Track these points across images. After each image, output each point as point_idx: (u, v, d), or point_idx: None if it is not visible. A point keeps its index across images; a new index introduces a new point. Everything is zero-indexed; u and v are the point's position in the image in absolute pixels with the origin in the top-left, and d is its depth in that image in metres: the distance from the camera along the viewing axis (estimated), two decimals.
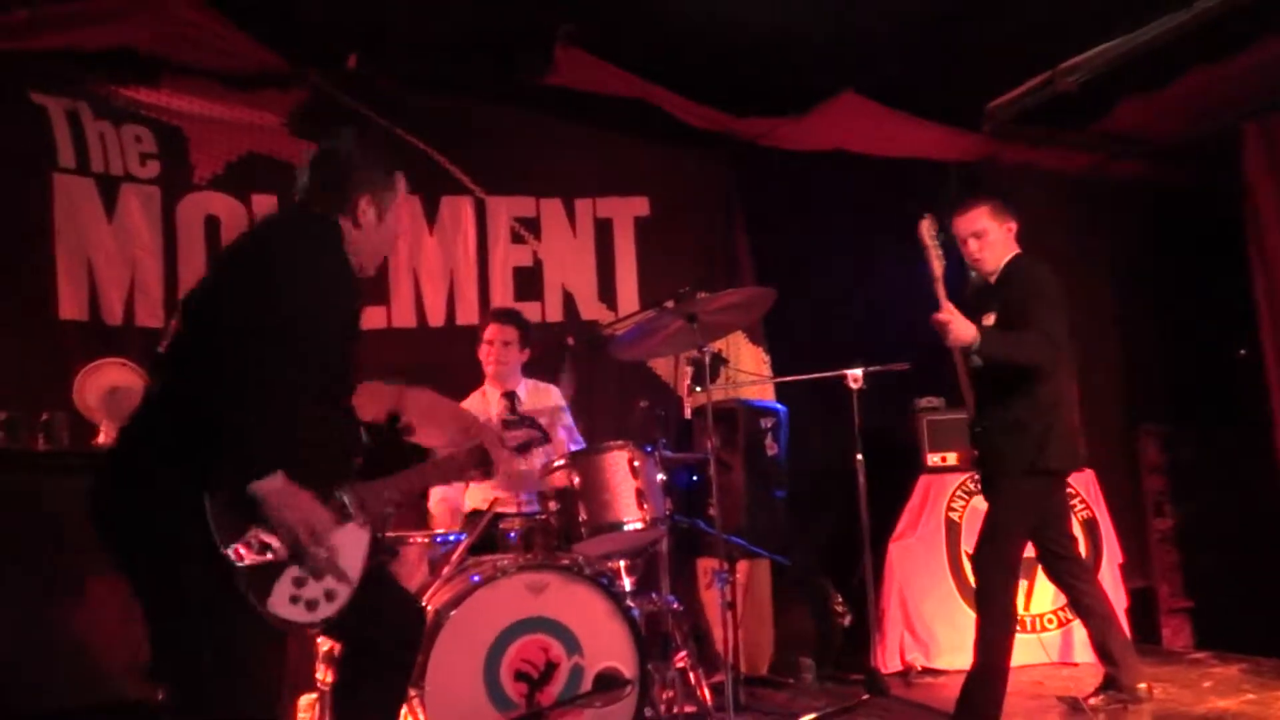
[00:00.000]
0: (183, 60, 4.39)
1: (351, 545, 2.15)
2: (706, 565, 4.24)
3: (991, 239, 3.50)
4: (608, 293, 5.15)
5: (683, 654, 3.46)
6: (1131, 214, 5.65)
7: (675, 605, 3.52)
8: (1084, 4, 3.92)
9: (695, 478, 4.17)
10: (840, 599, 4.36)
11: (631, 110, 4.97)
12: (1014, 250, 3.54)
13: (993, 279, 3.54)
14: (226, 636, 1.95)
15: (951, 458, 4.66)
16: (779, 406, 4.60)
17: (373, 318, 4.69)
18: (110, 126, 4.37)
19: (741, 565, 4.20)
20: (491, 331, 4.08)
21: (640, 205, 5.23)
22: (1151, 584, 5.15)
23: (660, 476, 3.40)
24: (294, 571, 2.02)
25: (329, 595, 2.09)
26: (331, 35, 4.51)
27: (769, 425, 4.48)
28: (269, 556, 1.96)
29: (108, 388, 3.69)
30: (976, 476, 4.45)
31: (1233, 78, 4.66)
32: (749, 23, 4.34)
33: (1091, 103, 4.84)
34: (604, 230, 5.18)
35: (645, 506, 3.26)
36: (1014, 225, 3.55)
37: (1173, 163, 5.46)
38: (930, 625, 4.47)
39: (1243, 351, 5.14)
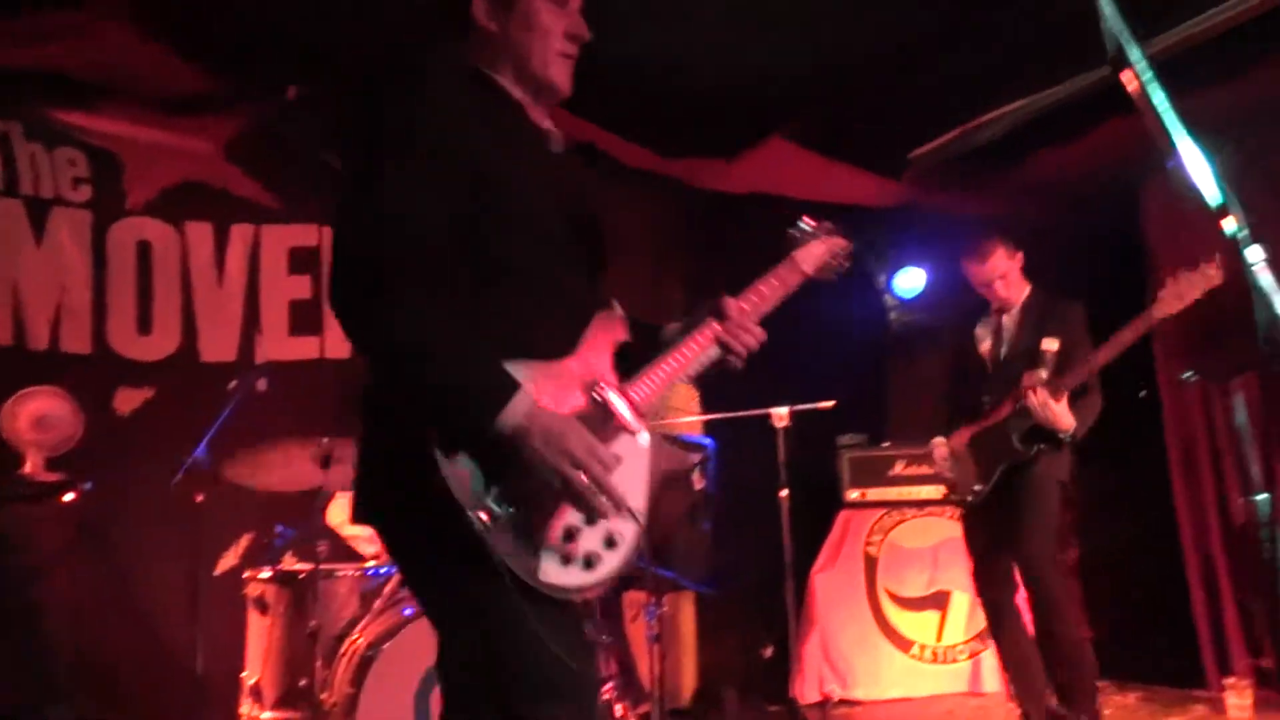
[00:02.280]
0: (121, 85, 4.38)
1: (629, 465, 1.61)
2: (634, 598, 4.33)
3: (1011, 277, 3.72)
4: None
5: (609, 686, 3.55)
6: (1044, 257, 5.93)
7: (603, 638, 3.60)
8: (1002, 61, 4.18)
9: None
10: (763, 630, 4.49)
11: (573, 148, 5.07)
12: (1025, 281, 3.79)
13: (1012, 311, 3.77)
14: (497, 630, 1.52)
15: (871, 494, 4.84)
16: (708, 441, 4.73)
17: (304, 348, 4.71)
18: (43, 149, 4.33)
19: (668, 597, 4.31)
20: None
21: None
22: None
23: None
24: (561, 522, 1.54)
25: (609, 542, 1.59)
26: (274, 63, 4.54)
27: (698, 460, 4.60)
28: (526, 512, 1.50)
29: (37, 416, 3.66)
30: (898, 511, 4.65)
31: (1139, 133, 4.95)
32: (681, 66, 4.49)
33: (1010, 151, 5.11)
34: None
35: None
36: (1021, 255, 3.76)
37: (1083, 209, 5.77)
38: (848, 657, 4.63)
39: (1144, 392, 5.44)
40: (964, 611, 4.69)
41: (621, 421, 1.65)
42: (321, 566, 3.30)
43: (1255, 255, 0.93)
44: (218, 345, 4.60)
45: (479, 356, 1.50)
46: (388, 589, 3.25)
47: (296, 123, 4.76)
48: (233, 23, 4.09)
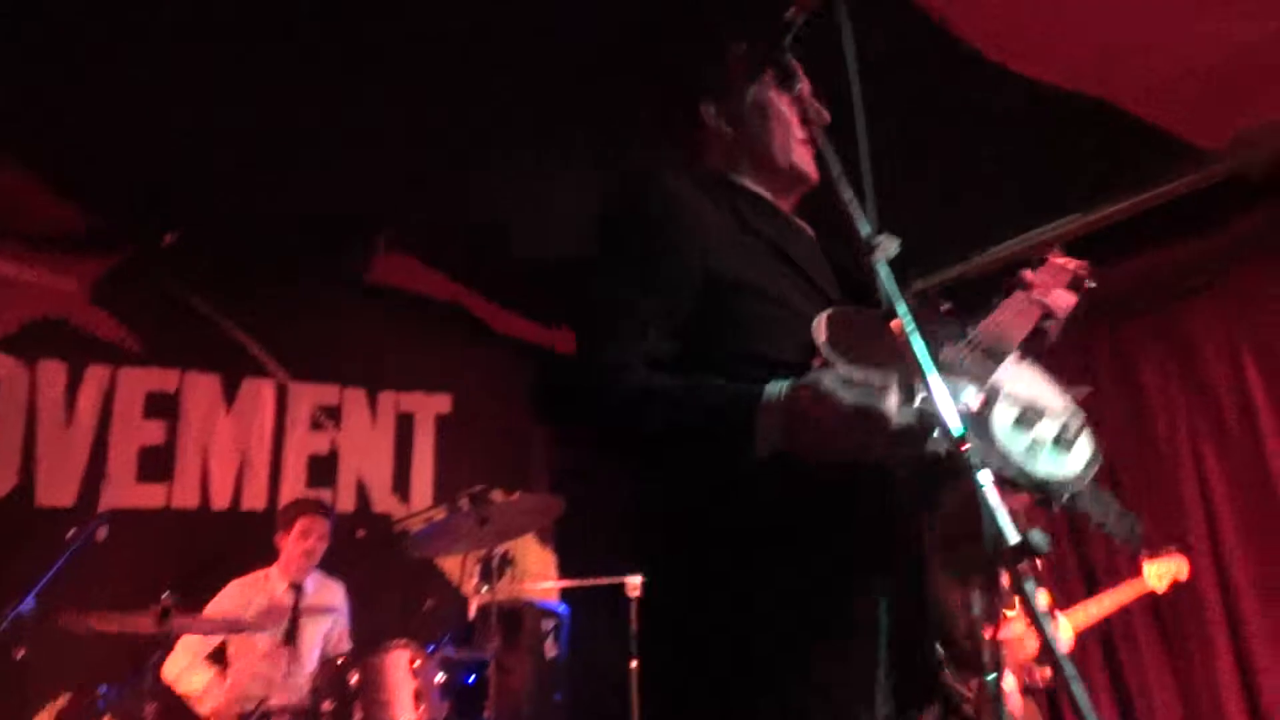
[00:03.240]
0: None
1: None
2: None
3: None
4: (402, 486, 5.22)
5: None
6: None
7: None
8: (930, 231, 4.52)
9: (474, 678, 4.18)
10: None
11: (445, 311, 5.22)
12: None
13: None
14: None
15: None
16: (562, 608, 4.72)
17: (151, 496, 4.55)
18: None
19: None
20: (309, 524, 4.02)
21: (443, 403, 5.41)
22: None
23: (440, 677, 3.43)
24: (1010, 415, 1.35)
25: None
26: (153, 207, 4.56)
27: (551, 627, 4.58)
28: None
29: None
30: None
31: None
32: (567, 240, 4.70)
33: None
34: (405, 424, 5.31)
35: (422, 708, 3.27)
36: None
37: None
38: None
39: None
40: None
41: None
42: None
43: (985, 478, 1.07)
44: (56, 489, 4.40)
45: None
46: None
47: (170, 267, 4.76)
48: (115, 165, 4.14)
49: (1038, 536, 1.01)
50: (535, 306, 5.36)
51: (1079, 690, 1.00)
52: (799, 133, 1.69)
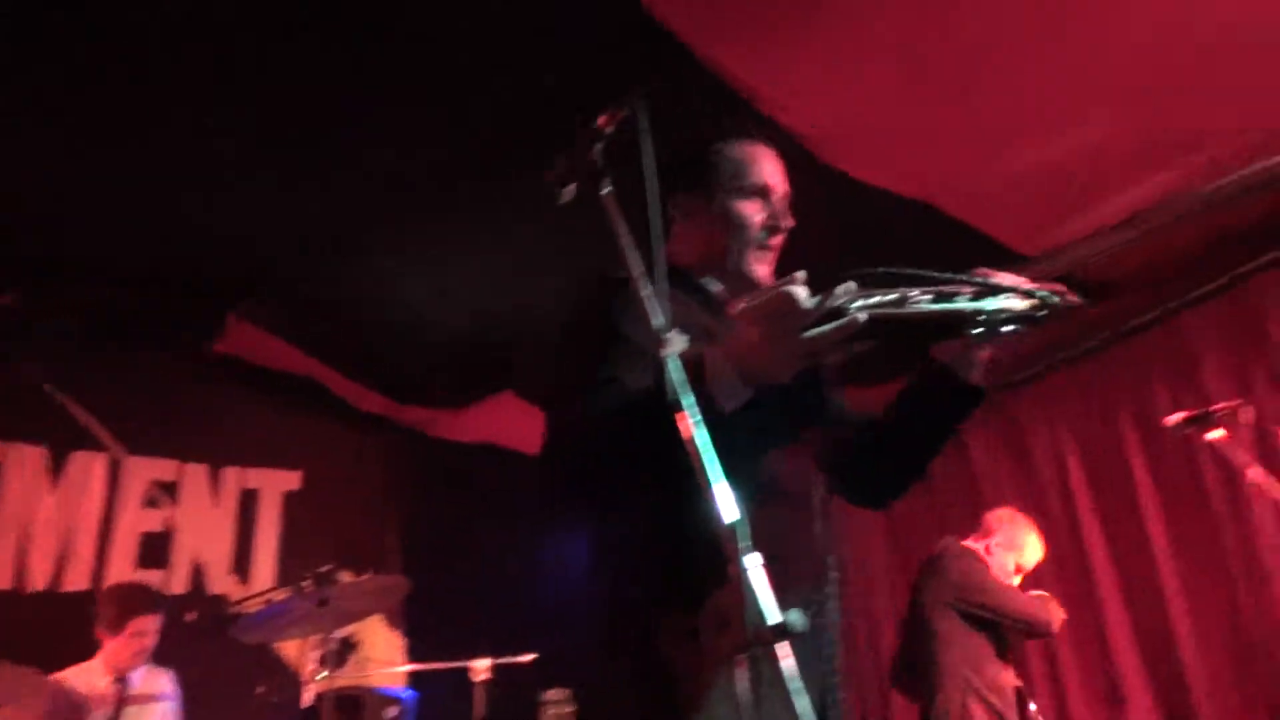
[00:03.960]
0: None
1: None
2: None
3: None
4: (242, 565, 4.99)
5: None
6: None
7: None
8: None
9: None
10: None
11: (297, 385, 5.09)
12: None
13: None
14: None
15: None
16: (408, 694, 4.55)
17: None
18: None
19: None
20: (142, 625, 3.75)
21: (292, 479, 5.23)
22: None
23: None
24: None
25: None
26: None
27: (394, 714, 4.40)
28: None
29: None
30: None
31: None
32: (425, 318, 4.69)
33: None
34: (249, 501, 5.10)
35: None
36: None
37: None
38: None
39: None
40: None
41: None
42: None
43: (751, 561, 1.13)
44: None
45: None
46: None
47: (4, 329, 4.50)
48: None
49: (795, 617, 1.08)
50: (394, 384, 5.28)
51: None
52: (756, 237, 1.76)
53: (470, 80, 3.27)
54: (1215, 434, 3.06)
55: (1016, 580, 4.00)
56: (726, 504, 1.18)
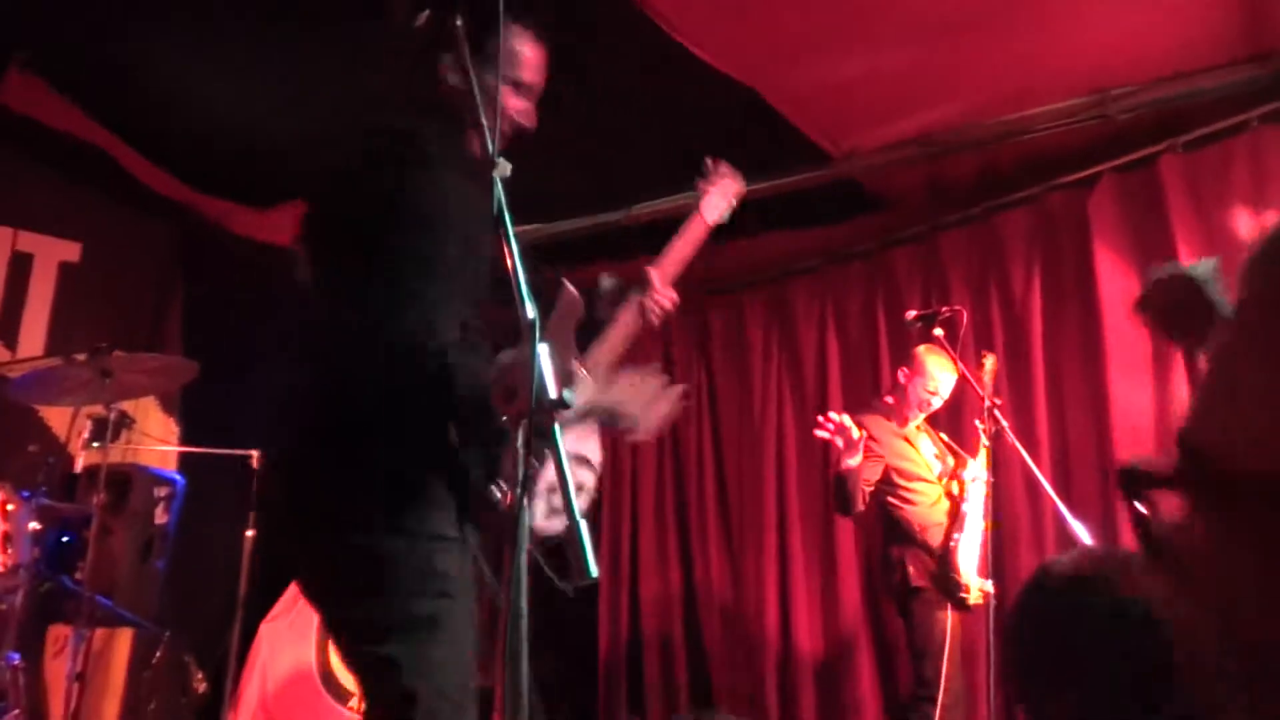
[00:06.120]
0: None
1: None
2: (59, 633, 4.04)
3: None
4: (9, 331, 4.78)
5: (16, 712, 3.31)
6: None
7: (17, 662, 3.36)
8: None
9: (67, 537, 4.01)
10: (200, 673, 4.42)
11: (86, 155, 4.81)
12: None
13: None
14: None
15: None
16: (178, 477, 4.62)
17: None
18: None
19: (99, 633, 4.09)
20: None
21: (71, 250, 5.01)
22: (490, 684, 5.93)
23: (34, 525, 3.31)
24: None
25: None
26: None
27: (163, 494, 4.48)
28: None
29: None
30: None
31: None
32: (229, 113, 4.53)
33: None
34: (21, 264, 4.85)
35: (10, 552, 3.16)
36: None
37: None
38: (286, 704, 4.70)
39: None
40: None
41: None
42: None
43: (542, 350, 1.41)
44: None
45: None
46: None
47: None
48: None
49: (570, 395, 1.37)
50: (191, 167, 5.08)
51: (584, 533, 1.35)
52: (507, 127, 1.91)
53: None
54: (937, 331, 3.70)
55: (937, 403, 4.24)
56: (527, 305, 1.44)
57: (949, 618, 3.92)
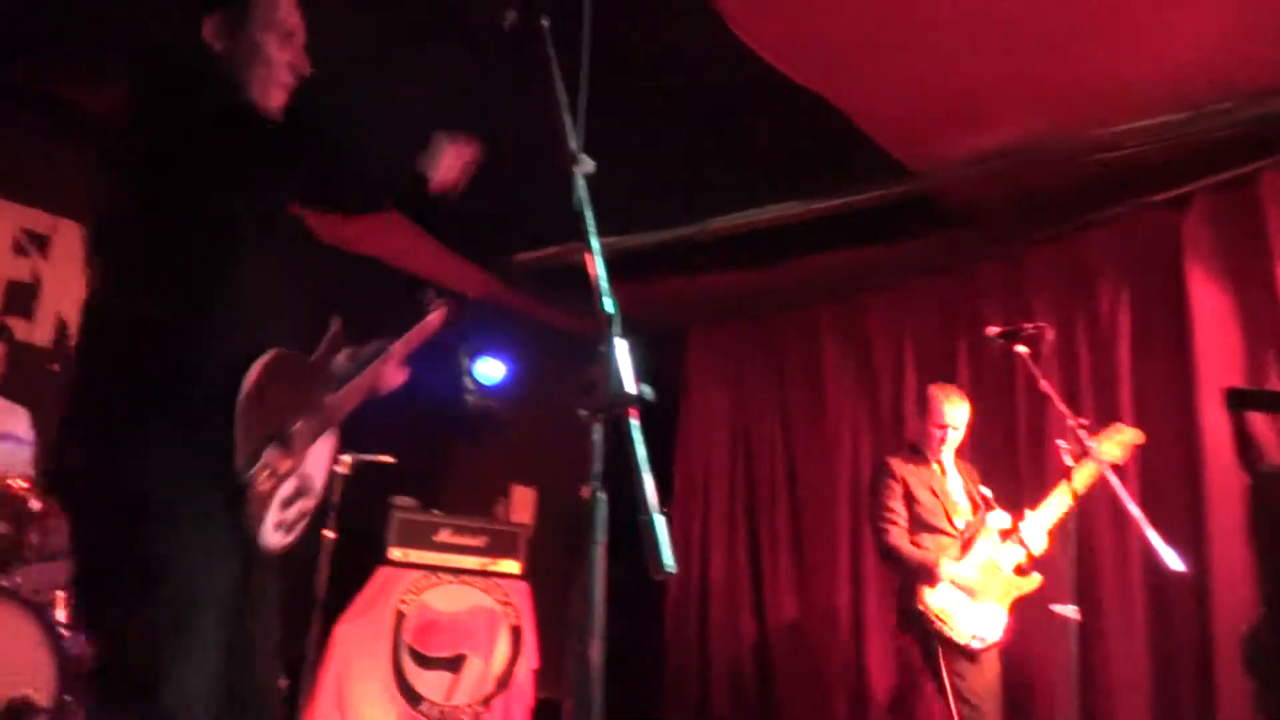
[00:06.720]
0: None
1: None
2: None
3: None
4: None
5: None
6: None
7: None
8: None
9: None
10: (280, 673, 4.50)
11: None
12: None
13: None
14: None
15: (413, 555, 5.11)
16: None
17: None
18: None
19: None
20: None
21: None
22: (558, 697, 5.94)
23: None
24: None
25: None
26: None
27: None
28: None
29: None
30: (435, 574, 5.00)
31: (690, 290, 5.94)
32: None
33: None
34: None
35: None
36: None
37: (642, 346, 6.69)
38: (358, 705, 4.78)
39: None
40: (475, 675, 5.08)
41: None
42: None
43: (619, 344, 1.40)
44: None
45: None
46: None
47: None
48: None
49: (647, 389, 1.37)
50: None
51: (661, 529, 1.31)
52: (281, 76, 1.95)
53: None
54: (1021, 348, 3.62)
55: (955, 436, 4.20)
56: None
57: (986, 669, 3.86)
